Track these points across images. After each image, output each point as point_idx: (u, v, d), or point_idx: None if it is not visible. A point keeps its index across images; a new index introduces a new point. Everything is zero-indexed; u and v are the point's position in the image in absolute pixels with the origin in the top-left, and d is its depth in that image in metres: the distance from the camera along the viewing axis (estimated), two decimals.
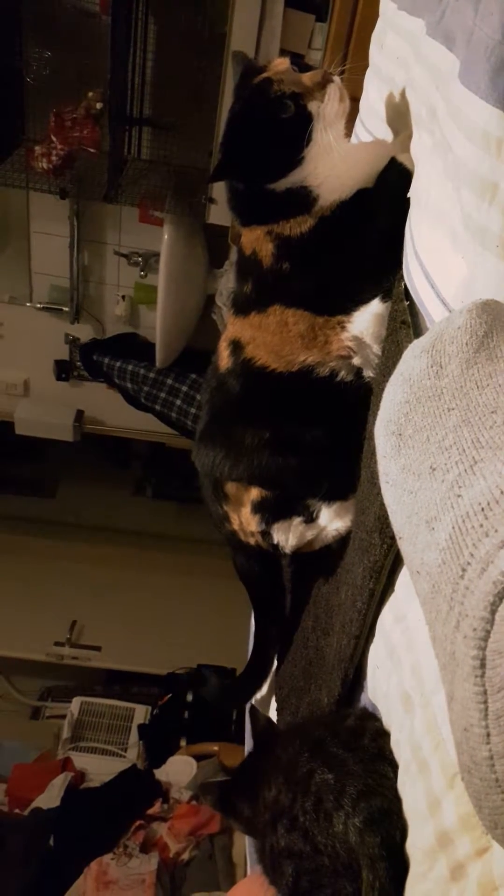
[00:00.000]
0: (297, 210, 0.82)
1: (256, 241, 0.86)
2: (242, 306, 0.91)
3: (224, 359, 0.93)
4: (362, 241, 0.82)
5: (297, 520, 0.91)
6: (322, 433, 0.88)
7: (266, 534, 0.93)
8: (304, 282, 0.85)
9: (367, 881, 0.57)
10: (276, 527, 0.92)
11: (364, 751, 0.64)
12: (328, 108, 0.82)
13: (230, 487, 0.93)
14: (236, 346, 0.90)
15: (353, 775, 0.61)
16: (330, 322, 0.84)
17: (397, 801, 0.59)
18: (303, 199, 0.82)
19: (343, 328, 0.83)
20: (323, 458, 0.88)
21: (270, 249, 0.85)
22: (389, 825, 0.58)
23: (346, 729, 0.67)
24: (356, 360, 0.84)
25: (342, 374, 0.85)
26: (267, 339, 0.87)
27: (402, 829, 0.58)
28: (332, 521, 0.89)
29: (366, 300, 0.81)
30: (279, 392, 0.88)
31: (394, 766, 0.62)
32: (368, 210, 0.82)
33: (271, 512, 0.91)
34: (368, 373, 0.84)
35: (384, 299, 0.79)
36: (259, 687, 1.09)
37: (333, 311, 0.83)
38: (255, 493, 0.91)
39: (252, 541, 0.95)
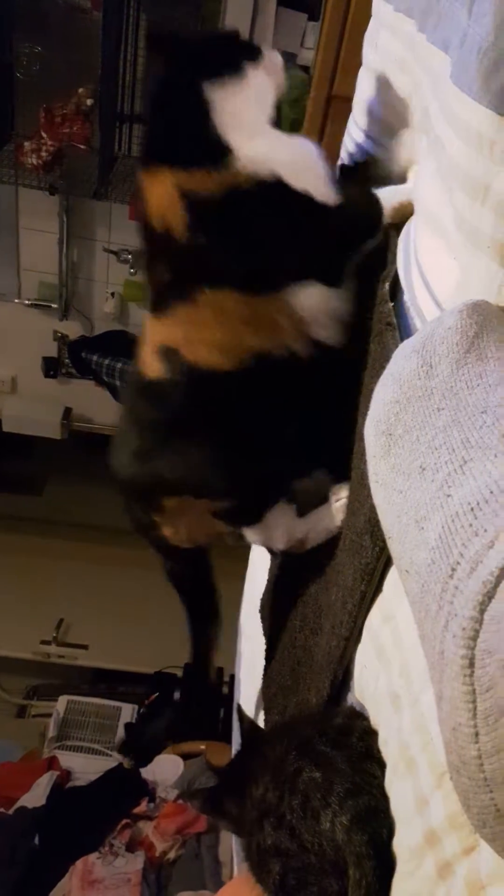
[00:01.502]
0: (212, 159, 0.74)
1: (164, 203, 0.76)
2: (160, 300, 0.79)
3: (152, 367, 0.81)
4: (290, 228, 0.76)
5: (282, 515, 0.86)
6: (296, 420, 0.81)
7: (237, 535, 0.89)
8: (227, 256, 0.76)
9: (353, 879, 0.57)
10: (250, 530, 0.87)
11: (352, 749, 0.64)
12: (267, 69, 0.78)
13: (171, 502, 0.85)
14: (168, 353, 0.79)
15: (341, 774, 0.61)
16: (272, 301, 0.76)
17: (384, 799, 0.60)
18: (219, 147, 0.74)
19: (288, 305, 0.77)
20: (301, 447, 0.83)
21: (182, 214, 0.74)
22: (376, 824, 0.58)
23: (335, 727, 0.67)
24: (312, 333, 0.78)
25: (300, 350, 0.78)
26: (206, 335, 0.77)
27: (389, 828, 0.58)
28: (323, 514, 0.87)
29: (301, 279, 0.76)
30: (235, 392, 0.79)
31: (381, 765, 0.62)
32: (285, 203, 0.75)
33: (239, 517, 0.87)
34: (329, 340, 0.79)
35: (326, 284, 0.76)
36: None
37: (269, 289, 0.76)
38: (208, 504, 0.85)
39: (187, 544, 0.89)
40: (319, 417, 0.85)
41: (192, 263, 0.76)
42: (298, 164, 0.77)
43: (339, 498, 0.86)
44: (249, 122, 0.76)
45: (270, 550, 1.00)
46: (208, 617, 1.03)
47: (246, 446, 0.82)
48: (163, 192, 0.75)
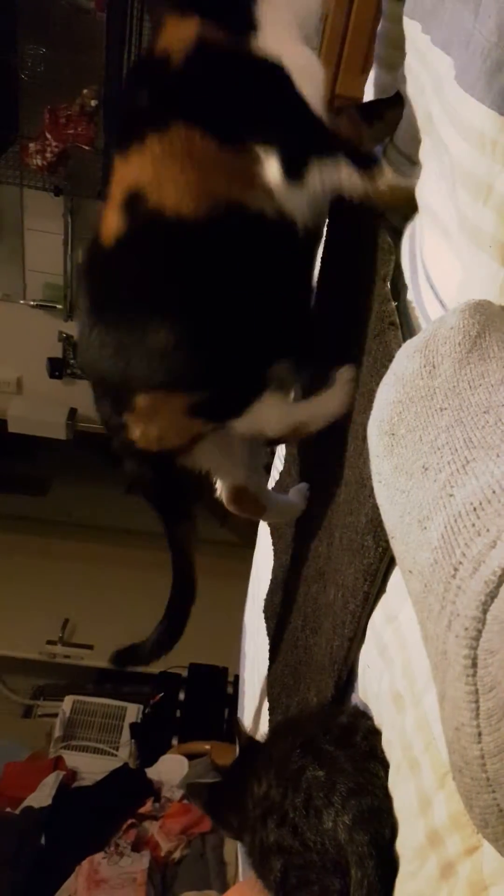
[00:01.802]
0: (239, 28, 0.73)
1: (179, 37, 0.74)
2: (131, 129, 0.75)
3: (113, 226, 0.75)
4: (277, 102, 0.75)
5: (273, 405, 0.81)
6: (269, 295, 0.77)
7: (219, 429, 0.82)
8: (211, 97, 0.73)
9: (355, 879, 0.57)
10: (236, 422, 0.81)
11: (355, 749, 0.64)
12: None
13: (142, 399, 0.78)
14: (134, 200, 0.73)
15: (344, 773, 0.61)
16: (246, 152, 0.73)
17: (387, 799, 0.60)
18: (250, 22, 0.73)
19: (260, 168, 0.74)
20: (275, 322, 0.77)
21: (188, 47, 0.73)
22: (378, 824, 0.58)
23: (339, 726, 0.67)
24: (279, 201, 0.75)
25: (272, 215, 0.75)
26: (177, 174, 0.72)
27: (391, 828, 0.58)
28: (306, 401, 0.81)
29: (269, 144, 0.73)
30: (202, 252, 0.73)
31: (385, 765, 0.62)
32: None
33: (217, 410, 0.80)
34: (295, 216, 0.76)
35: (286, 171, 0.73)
36: (186, 611, 1.02)
37: (243, 139, 0.73)
38: (184, 399, 0.78)
39: (158, 447, 0.83)
40: (289, 297, 0.80)
41: (177, 92, 0.73)
42: (309, 74, 0.75)
43: (347, 378, 0.81)
44: (284, 22, 0.75)
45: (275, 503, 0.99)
46: (179, 516, 0.95)
47: (217, 325, 0.76)
48: (182, 32, 0.74)
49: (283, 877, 0.62)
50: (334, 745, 0.64)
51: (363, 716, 0.68)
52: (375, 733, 0.65)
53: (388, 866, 0.57)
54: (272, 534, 1.28)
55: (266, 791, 0.66)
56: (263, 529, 1.34)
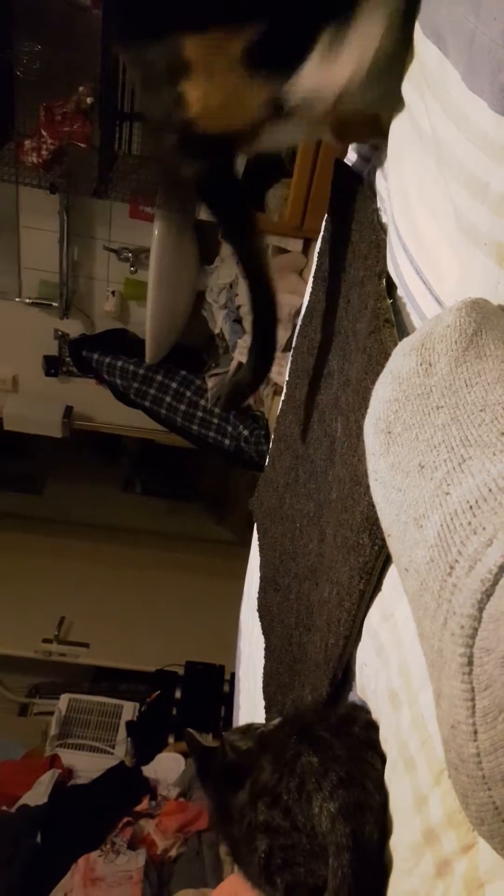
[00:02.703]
0: None
1: None
2: None
3: None
4: None
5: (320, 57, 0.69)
6: None
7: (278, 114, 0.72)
8: None
9: (332, 867, 0.57)
10: (292, 83, 0.70)
11: (352, 738, 0.64)
12: None
13: (193, 47, 0.69)
14: None
15: (337, 761, 0.61)
16: None
17: (379, 793, 0.60)
18: None
19: None
20: None
21: None
22: (362, 819, 0.58)
23: (337, 716, 0.68)
24: None
25: None
26: None
27: (376, 826, 0.58)
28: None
29: None
30: None
31: (382, 757, 0.62)
32: None
33: (273, 57, 0.70)
34: None
35: None
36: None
37: None
38: (237, 42, 0.69)
39: (221, 125, 0.74)
40: None
41: None
42: None
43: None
44: None
45: None
46: (249, 236, 0.85)
47: None
48: None
49: (268, 857, 0.61)
50: (330, 732, 0.65)
51: (362, 709, 0.69)
52: (374, 726, 0.65)
53: (367, 864, 0.57)
54: (258, 530, 1.28)
55: (257, 776, 0.66)
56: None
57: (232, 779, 0.71)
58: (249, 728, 0.78)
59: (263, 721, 1.03)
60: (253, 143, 0.78)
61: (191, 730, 0.84)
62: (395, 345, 0.56)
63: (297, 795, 0.61)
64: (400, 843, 0.56)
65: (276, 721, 0.77)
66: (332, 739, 0.64)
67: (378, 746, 0.63)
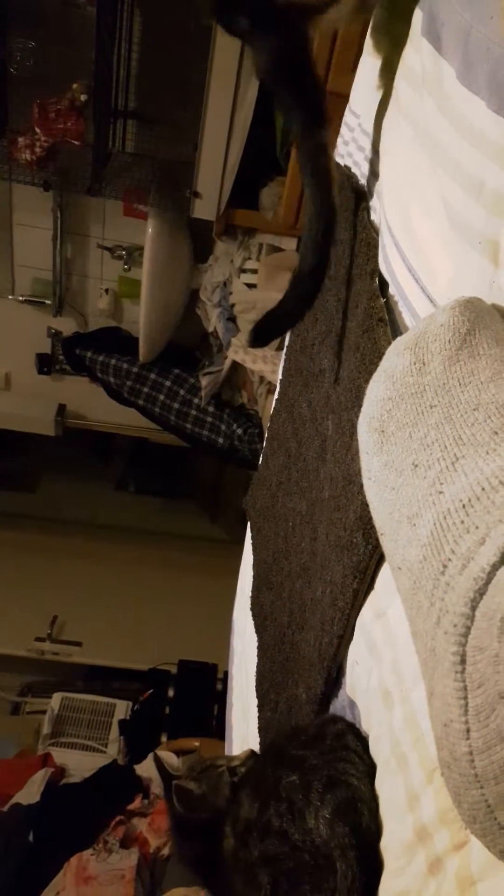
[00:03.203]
0: None
1: None
2: None
3: None
4: None
5: None
6: None
7: None
8: None
9: (340, 870, 0.57)
10: None
11: (324, 747, 0.65)
12: None
13: None
14: None
15: (315, 770, 0.62)
16: None
17: (363, 784, 0.60)
18: None
19: None
20: None
21: None
22: (355, 813, 0.59)
23: (307, 735, 0.69)
24: None
25: None
26: None
27: (371, 815, 0.59)
28: None
29: None
30: None
31: (357, 752, 0.63)
32: None
33: None
34: None
35: None
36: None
37: None
38: None
39: None
40: None
41: None
42: None
43: None
44: None
45: None
46: (316, 127, 0.78)
47: None
48: None
49: (274, 886, 0.61)
50: (302, 748, 0.65)
51: (331, 722, 0.69)
52: (345, 733, 0.66)
53: (370, 855, 0.57)
54: (251, 528, 1.28)
55: (238, 814, 0.66)
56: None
57: (207, 829, 0.71)
58: (197, 765, 0.78)
59: (256, 719, 1.03)
60: (320, 18, 0.77)
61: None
62: (389, 344, 0.56)
63: (290, 816, 0.61)
64: (392, 842, 0.56)
65: (242, 755, 0.77)
66: (306, 753, 0.64)
67: (353, 746, 0.64)
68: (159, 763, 0.83)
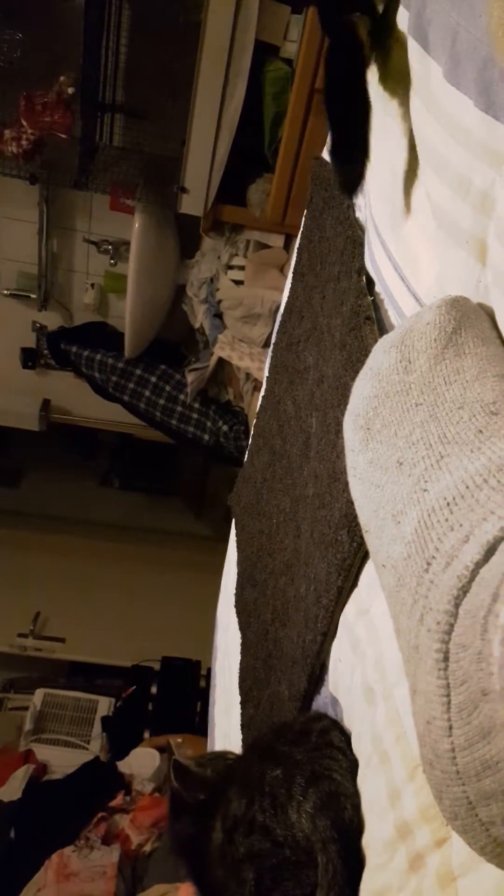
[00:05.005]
0: None
1: None
2: None
3: None
4: None
5: None
6: None
7: None
8: None
9: (321, 864, 0.58)
10: None
11: (309, 743, 0.65)
12: None
13: None
14: None
15: (299, 765, 0.62)
16: None
17: (345, 780, 0.61)
18: None
19: None
20: None
21: None
22: (338, 807, 0.59)
23: (293, 731, 0.69)
24: None
25: None
26: None
27: (353, 808, 0.59)
28: None
29: None
30: None
31: (342, 750, 0.63)
32: None
33: None
34: None
35: None
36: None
37: None
38: None
39: None
40: None
41: None
42: None
43: None
44: None
45: None
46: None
47: None
48: None
49: (258, 883, 0.62)
50: (288, 745, 0.65)
51: (319, 718, 0.69)
52: (330, 730, 0.66)
53: (352, 849, 0.57)
54: (236, 525, 1.28)
55: (227, 809, 0.66)
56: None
57: (201, 814, 0.71)
58: (206, 755, 0.78)
59: (239, 716, 1.03)
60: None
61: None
62: (376, 342, 0.56)
63: (272, 812, 0.61)
64: (373, 839, 0.56)
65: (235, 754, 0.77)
66: (291, 749, 0.65)
67: (337, 743, 0.64)
68: (172, 754, 0.83)
